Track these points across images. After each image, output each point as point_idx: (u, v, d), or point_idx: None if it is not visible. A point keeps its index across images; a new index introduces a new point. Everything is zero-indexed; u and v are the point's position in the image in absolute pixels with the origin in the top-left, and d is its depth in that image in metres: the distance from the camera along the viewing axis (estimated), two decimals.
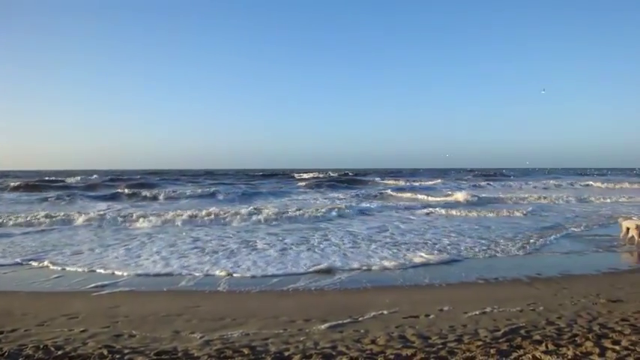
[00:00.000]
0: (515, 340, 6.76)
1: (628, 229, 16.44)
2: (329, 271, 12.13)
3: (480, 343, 6.68)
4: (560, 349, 6.30)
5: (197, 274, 11.92)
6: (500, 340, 6.77)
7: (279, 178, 76.48)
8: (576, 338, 6.76)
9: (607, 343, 6.51)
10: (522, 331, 7.20)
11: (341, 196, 38.71)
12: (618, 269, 12.40)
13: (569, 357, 5.99)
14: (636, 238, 15.91)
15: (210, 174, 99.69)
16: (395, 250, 14.83)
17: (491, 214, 25.17)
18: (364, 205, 29.41)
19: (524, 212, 25.55)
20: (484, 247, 15.41)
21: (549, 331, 7.16)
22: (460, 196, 35.49)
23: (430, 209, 27.06)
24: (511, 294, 9.88)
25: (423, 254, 14.15)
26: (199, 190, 41.58)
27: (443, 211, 26.24)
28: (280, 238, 17.39)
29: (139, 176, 75.32)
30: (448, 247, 15.47)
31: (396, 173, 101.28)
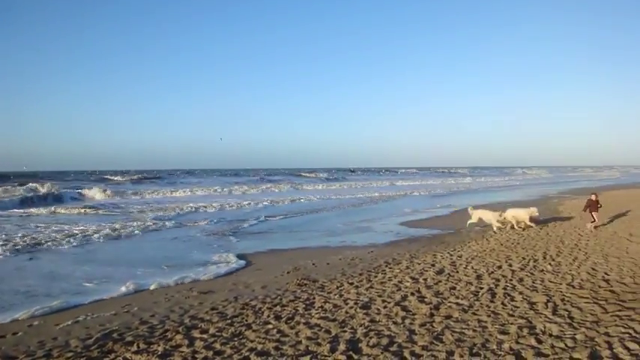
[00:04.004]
0: (107, 344, 6.84)
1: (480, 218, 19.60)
2: None
3: (70, 354, 6.54)
4: (152, 346, 6.67)
5: None
6: (92, 348, 6.76)
7: None
8: (167, 333, 7.27)
9: (196, 333, 7.20)
10: (115, 335, 7.33)
11: None
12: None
13: (160, 353, 6.36)
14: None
15: None
16: None
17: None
18: None
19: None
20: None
21: (142, 331, 7.48)
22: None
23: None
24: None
25: None
26: None
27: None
28: None
29: None
30: None
31: None
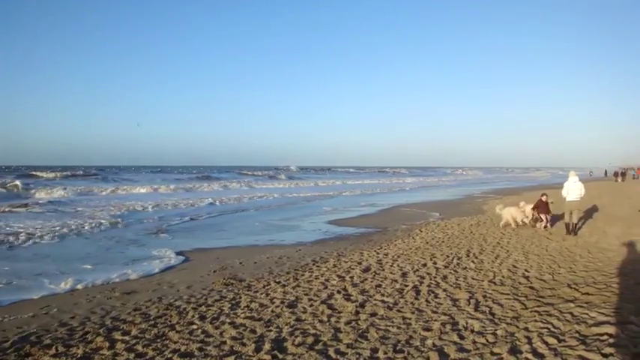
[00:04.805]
0: (25, 348, 6.58)
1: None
2: None
3: None
4: (71, 349, 6.47)
5: None
6: (9, 351, 6.49)
7: None
8: (88, 336, 7.06)
9: (117, 335, 7.03)
10: (33, 338, 7.06)
11: None
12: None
13: (79, 356, 6.21)
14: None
15: None
16: None
17: None
18: None
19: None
20: None
21: (61, 333, 7.23)
22: None
23: None
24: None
25: None
26: None
27: None
28: None
29: None
30: None
31: None
